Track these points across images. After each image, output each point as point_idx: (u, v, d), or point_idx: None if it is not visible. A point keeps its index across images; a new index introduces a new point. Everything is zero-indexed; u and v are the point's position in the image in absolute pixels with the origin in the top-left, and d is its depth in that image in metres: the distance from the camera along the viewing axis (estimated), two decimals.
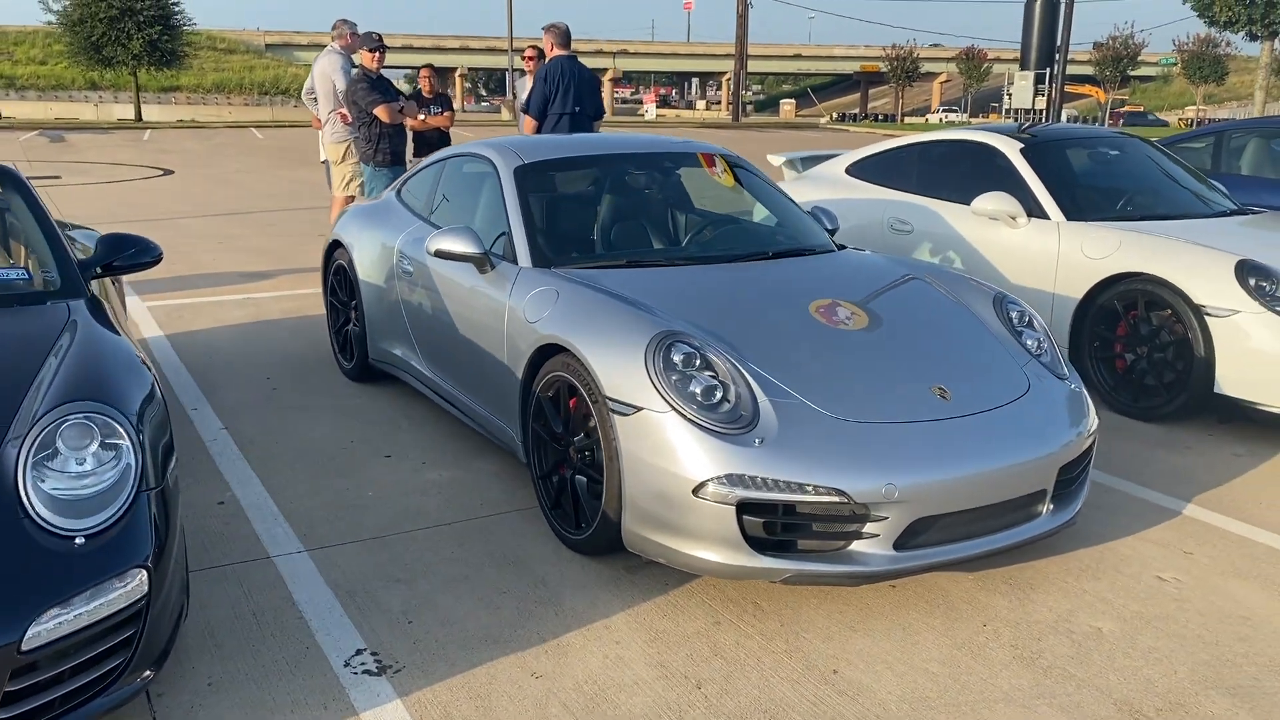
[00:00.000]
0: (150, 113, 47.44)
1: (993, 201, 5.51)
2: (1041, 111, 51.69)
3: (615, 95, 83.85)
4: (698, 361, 3.10)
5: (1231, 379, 4.58)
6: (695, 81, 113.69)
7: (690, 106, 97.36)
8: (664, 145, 4.77)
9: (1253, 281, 4.56)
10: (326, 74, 7.87)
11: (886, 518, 2.93)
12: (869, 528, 2.95)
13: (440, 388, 4.45)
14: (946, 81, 76.11)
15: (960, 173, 6.10)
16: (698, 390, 3.02)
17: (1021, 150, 5.75)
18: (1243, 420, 4.74)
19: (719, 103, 65.82)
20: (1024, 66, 55.08)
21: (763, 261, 4.05)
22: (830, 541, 2.97)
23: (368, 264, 5.03)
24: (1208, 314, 4.61)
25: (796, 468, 2.90)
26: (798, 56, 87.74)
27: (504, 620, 3.03)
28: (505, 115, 50.52)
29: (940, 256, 5.96)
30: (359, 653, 2.85)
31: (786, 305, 3.61)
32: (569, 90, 7.77)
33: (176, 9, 41.96)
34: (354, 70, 7.63)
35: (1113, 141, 6.31)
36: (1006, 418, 3.22)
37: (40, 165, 20.94)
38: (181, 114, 54.01)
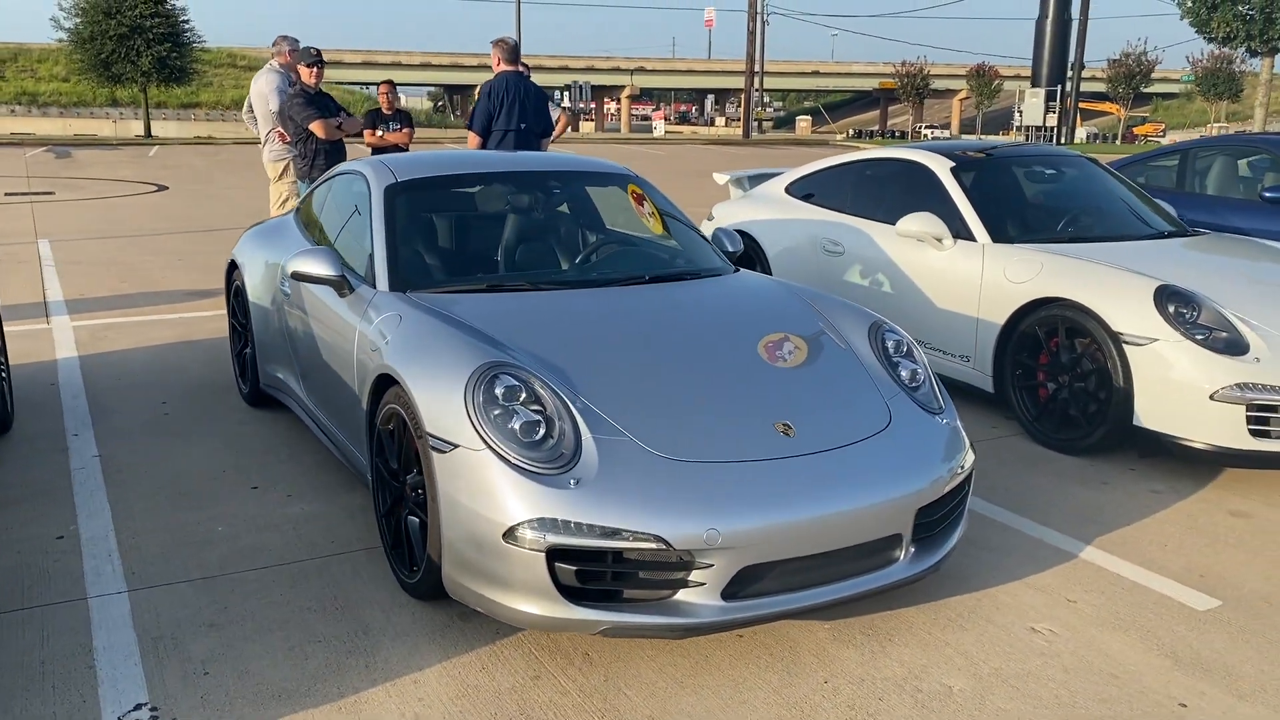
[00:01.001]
0: (168, 129, 47.66)
1: (917, 223, 5.30)
2: (1053, 129, 51.44)
3: (634, 113, 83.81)
4: (523, 395, 2.90)
5: (1150, 411, 4.34)
6: (711, 98, 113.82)
7: (710, 123, 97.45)
8: (556, 164, 4.58)
9: (1172, 308, 4.32)
10: (263, 93, 7.74)
11: (712, 565, 2.72)
12: (695, 576, 2.73)
13: (315, 415, 4.26)
14: (966, 98, 75.71)
15: (892, 192, 5.89)
16: (517, 426, 2.82)
17: (952, 170, 5.54)
18: (1167, 455, 4.49)
19: (738, 120, 65.72)
20: (1035, 84, 54.90)
21: (637, 287, 3.84)
22: (654, 591, 2.76)
23: (257, 285, 4.87)
24: (1126, 342, 4.37)
25: (613, 511, 2.69)
26: (816, 73, 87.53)
27: (307, 673, 2.82)
28: None
29: (870, 279, 5.74)
30: (137, 708, 2.65)
31: (642, 335, 3.41)
32: (513, 106, 7.62)
33: (186, 26, 42.17)
34: (292, 87, 7.49)
35: (1057, 161, 6.08)
36: (856, 456, 3.00)
37: (39, 181, 20.96)
38: (199, 130, 54.36)
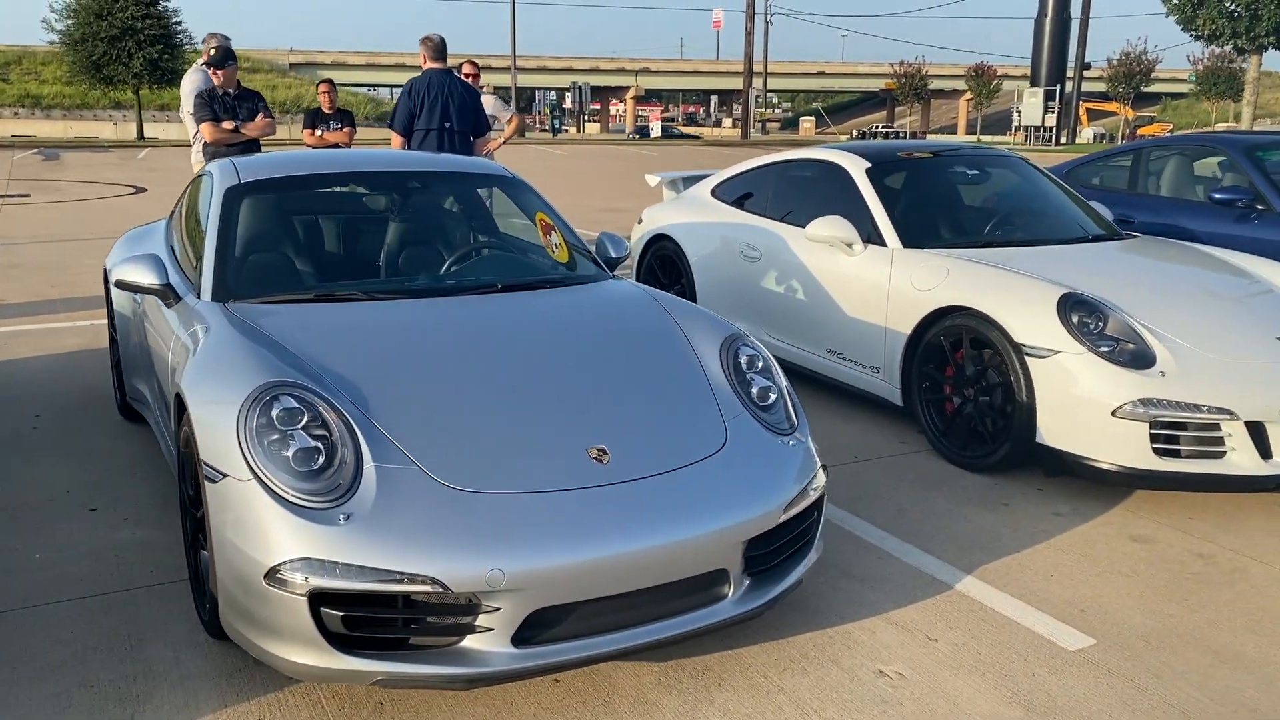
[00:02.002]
0: (170, 131, 47.57)
1: (825, 227, 5.03)
2: (1052, 129, 50.91)
3: (639, 113, 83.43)
4: (305, 418, 2.64)
5: (1053, 428, 4.06)
6: (715, 99, 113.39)
7: (718, 124, 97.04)
8: (422, 165, 4.33)
9: (1075, 318, 4.05)
10: (186, 93, 7.50)
11: (499, 609, 2.46)
12: (482, 620, 2.48)
13: (160, 432, 4.02)
14: (972, 99, 74.92)
15: (809, 195, 5.63)
16: (291, 453, 2.56)
17: (868, 171, 5.27)
18: (1077, 475, 4.21)
19: (753, 120, 65.54)
20: (1034, 83, 54.41)
21: (484, 296, 3.58)
22: (436, 637, 2.50)
23: (120, 294, 4.62)
24: (1028, 354, 4.10)
25: (385, 551, 2.43)
26: (821, 74, 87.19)
27: None
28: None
29: (785, 286, 5.48)
30: None
31: (466, 350, 3.15)
32: (435, 104, 7.37)
33: (179, 27, 42.10)
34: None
35: (987, 162, 5.81)
36: (677, 483, 2.73)
37: (19, 184, 20.82)
38: None
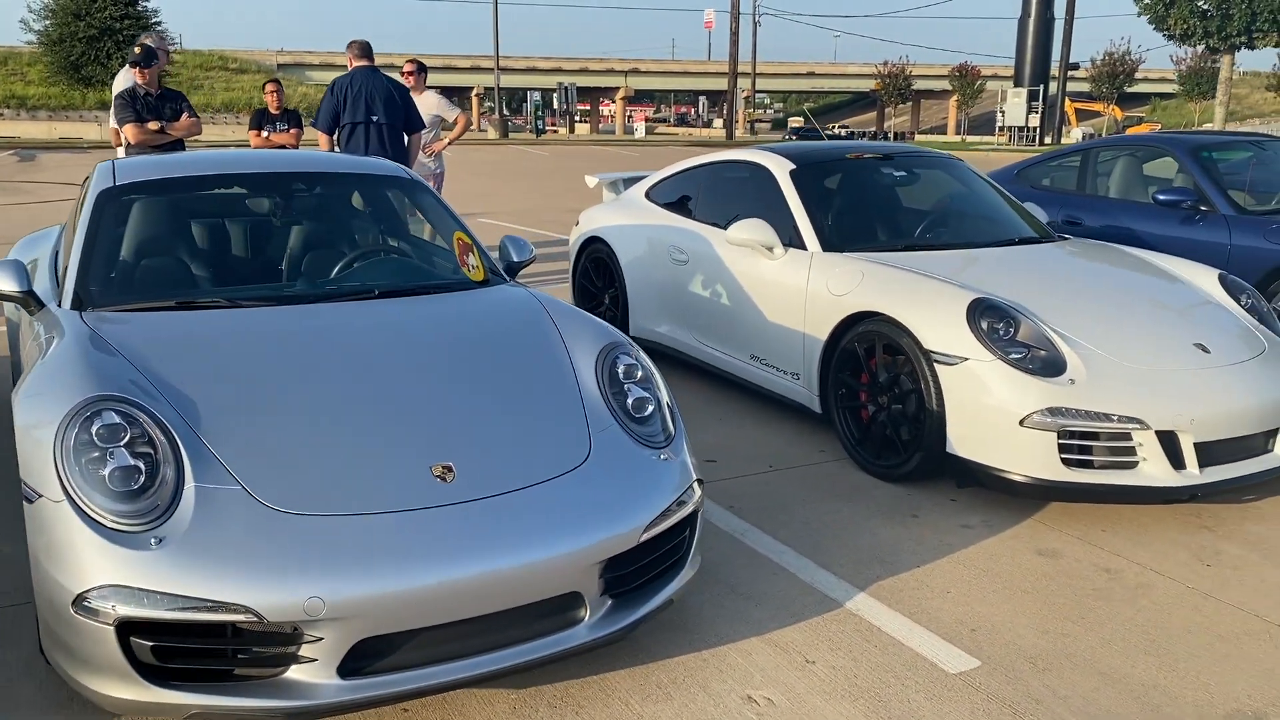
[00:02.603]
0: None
1: (745, 230, 4.90)
2: (1035, 129, 50.92)
3: (629, 113, 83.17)
4: (128, 435, 2.50)
5: (963, 438, 3.94)
6: (704, 100, 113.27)
7: (709, 125, 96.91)
8: (312, 165, 4.18)
9: (985, 324, 3.92)
10: (116, 94, 7.35)
11: (322, 639, 2.32)
12: (306, 650, 2.34)
13: None
14: (958, 99, 74.60)
15: (736, 196, 5.50)
16: (108, 472, 2.42)
17: (792, 173, 5.14)
18: (984, 486, 4.08)
19: (737, 121, 65.28)
20: (1018, 83, 54.43)
21: (359, 303, 3.44)
22: (258, 669, 2.36)
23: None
24: (937, 361, 3.97)
25: (198, 577, 2.29)
26: (811, 74, 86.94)
27: None
28: (491, 134, 50.15)
29: (710, 290, 5.35)
30: None
31: (322, 360, 3.01)
32: (359, 99, 7.27)
33: (158, 28, 41.77)
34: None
35: (919, 163, 5.69)
36: (526, 503, 2.60)
37: None
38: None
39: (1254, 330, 4.27)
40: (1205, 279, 4.61)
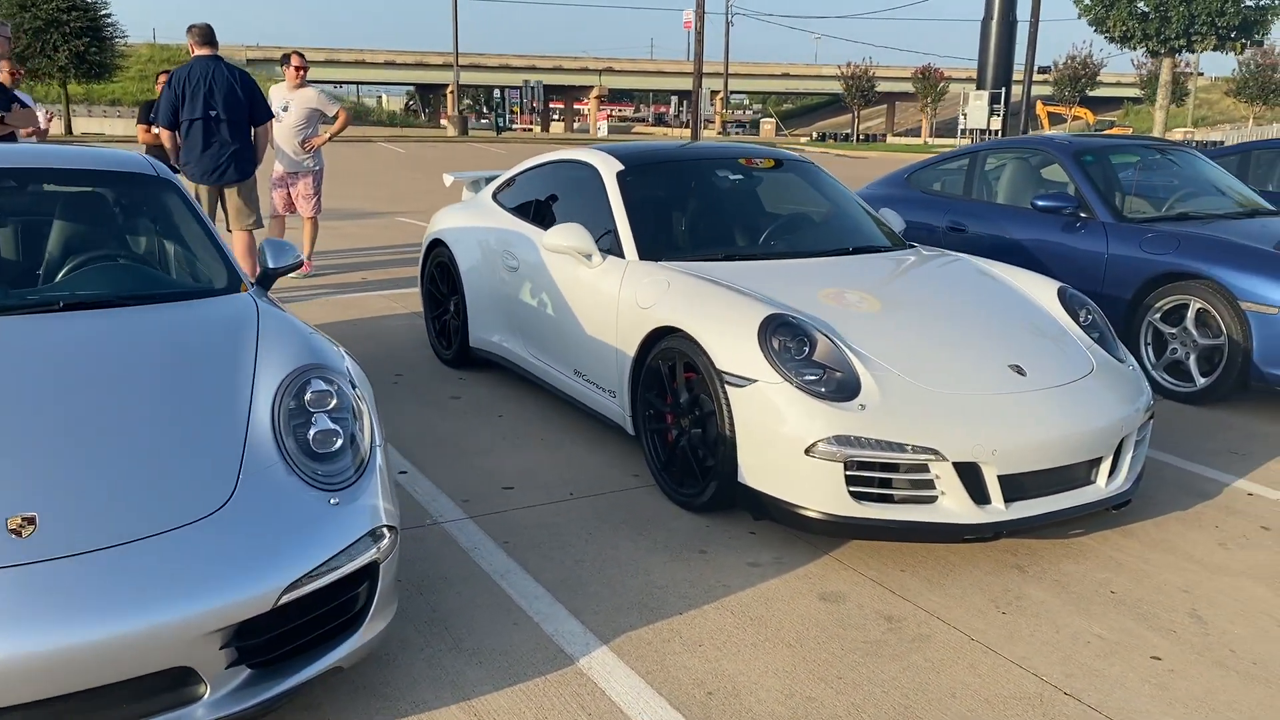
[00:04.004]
0: (116, 127, 46.24)
1: (561, 236, 4.53)
2: (997, 132, 51.04)
3: (610, 111, 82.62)
4: None
5: (754, 467, 3.58)
6: (676, 99, 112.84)
7: (686, 124, 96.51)
8: (49, 160, 3.78)
9: (776, 342, 3.57)
10: None
11: None
12: None
13: None
14: (921, 102, 74.20)
15: (568, 199, 5.14)
16: None
17: (619, 174, 4.78)
18: (775, 521, 3.71)
19: (712, 121, 64.84)
20: (980, 86, 54.53)
21: (56, 315, 3.06)
22: None
23: None
24: (728, 382, 3.62)
25: None
26: (786, 75, 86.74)
27: None
28: (450, 131, 49.60)
29: (538, 300, 4.98)
30: None
31: None
32: (198, 92, 6.87)
33: (108, 20, 41.02)
34: None
35: (766, 165, 5.32)
36: (126, 561, 2.21)
37: None
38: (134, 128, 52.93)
39: (1085, 351, 3.94)
40: (1045, 293, 4.28)
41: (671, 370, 3.97)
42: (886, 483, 3.41)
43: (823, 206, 5.07)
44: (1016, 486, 3.46)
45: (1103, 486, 3.63)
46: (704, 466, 3.82)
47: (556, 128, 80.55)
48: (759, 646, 3.00)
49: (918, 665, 2.92)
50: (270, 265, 3.70)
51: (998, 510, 3.41)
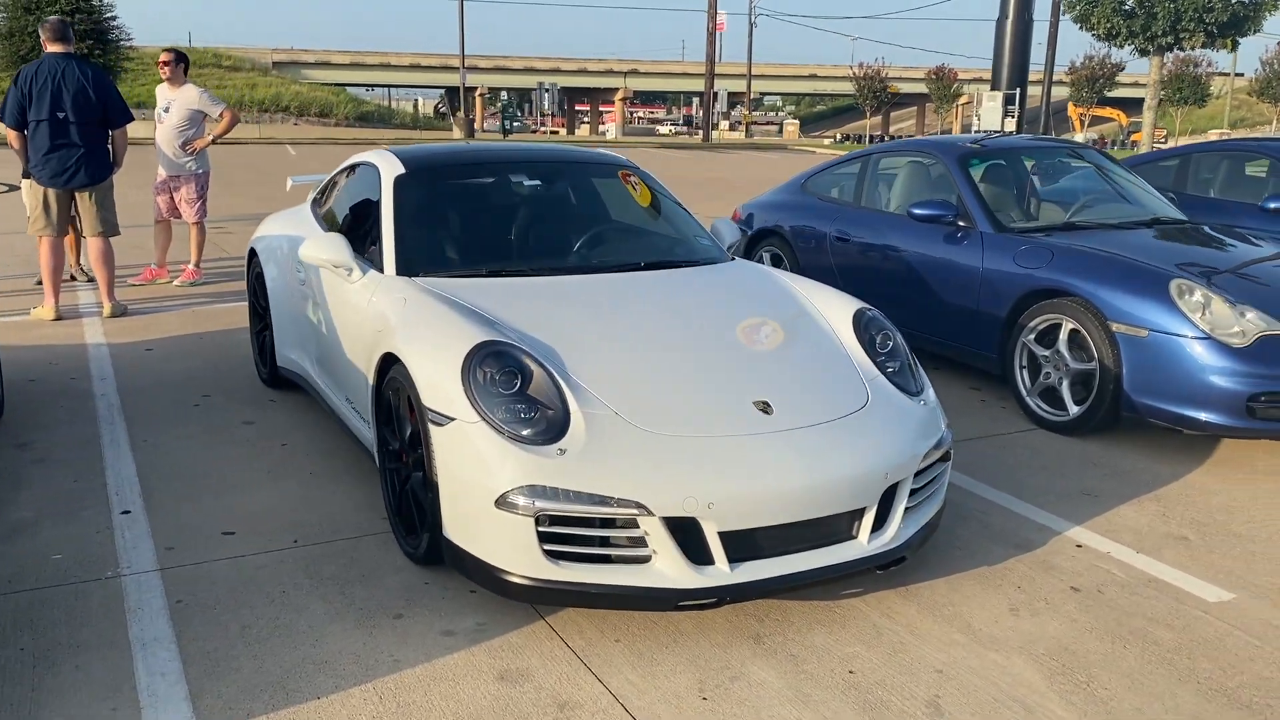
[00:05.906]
0: (142, 130, 46.40)
1: (315, 247, 4.08)
2: (1012, 133, 50.17)
3: (634, 114, 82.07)
4: None
5: (453, 519, 3.10)
6: (695, 101, 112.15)
7: (715, 126, 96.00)
8: None
9: (484, 374, 3.10)
10: None
11: None
12: None
13: None
14: (967, 102, 72.59)
15: (358, 205, 4.68)
16: None
17: (398, 178, 4.31)
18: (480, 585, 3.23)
19: (740, 123, 63.99)
20: (995, 86, 53.73)
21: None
22: None
23: None
24: (431, 420, 3.14)
25: None
26: (813, 76, 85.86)
27: None
28: (456, 133, 49.31)
29: (317, 318, 4.53)
30: None
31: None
32: (44, 92, 6.48)
33: (112, 23, 41.00)
34: None
35: (578, 170, 4.83)
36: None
37: None
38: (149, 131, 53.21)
39: (863, 383, 3.41)
40: (841, 316, 3.75)
41: (401, 403, 3.50)
42: (589, 540, 2.92)
43: (634, 216, 4.57)
44: (748, 545, 2.96)
45: (864, 543, 3.10)
46: (421, 515, 3.35)
47: (583, 131, 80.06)
48: None
49: None
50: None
51: (720, 573, 2.91)
